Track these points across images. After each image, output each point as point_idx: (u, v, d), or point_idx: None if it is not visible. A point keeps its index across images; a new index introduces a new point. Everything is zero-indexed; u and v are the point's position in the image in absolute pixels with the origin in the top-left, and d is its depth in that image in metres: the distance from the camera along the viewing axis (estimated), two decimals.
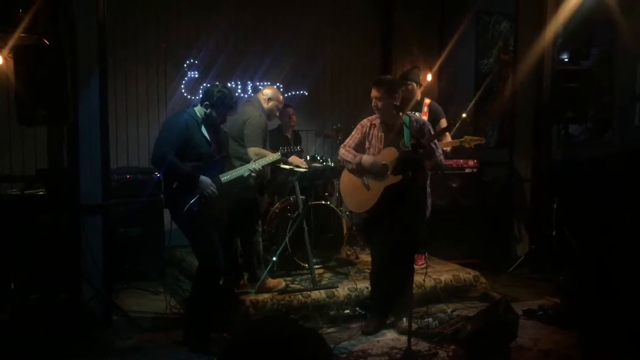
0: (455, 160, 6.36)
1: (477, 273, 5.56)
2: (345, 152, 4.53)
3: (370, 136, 4.47)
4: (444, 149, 5.39)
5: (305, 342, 1.88)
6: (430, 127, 4.48)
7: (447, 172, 6.36)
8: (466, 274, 5.53)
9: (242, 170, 4.43)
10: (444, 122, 5.68)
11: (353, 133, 4.57)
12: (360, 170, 4.43)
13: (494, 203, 6.55)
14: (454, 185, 6.37)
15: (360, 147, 4.50)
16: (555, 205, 6.17)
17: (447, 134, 5.59)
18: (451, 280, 5.41)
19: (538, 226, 6.42)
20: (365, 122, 4.54)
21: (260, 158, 4.63)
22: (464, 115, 5.18)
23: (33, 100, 4.23)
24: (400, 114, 4.34)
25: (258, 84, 6.92)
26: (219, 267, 4.29)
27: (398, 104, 4.34)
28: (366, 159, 4.38)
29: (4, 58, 5.06)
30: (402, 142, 4.27)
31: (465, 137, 5.49)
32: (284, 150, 4.80)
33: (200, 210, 4.13)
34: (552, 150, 6.55)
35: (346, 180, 4.61)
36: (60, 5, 4.49)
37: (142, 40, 6.53)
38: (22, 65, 4.25)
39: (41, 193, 5.11)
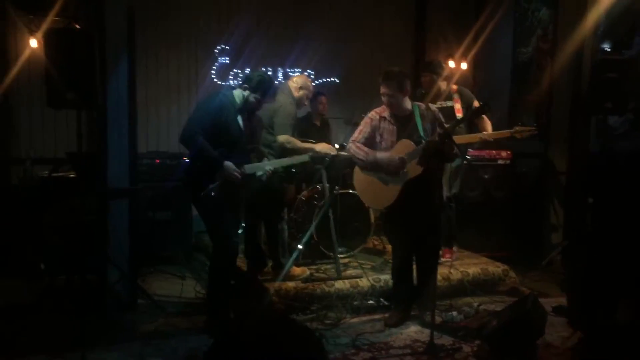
0: (487, 151, 6.23)
1: (506, 267, 5.43)
2: (357, 148, 4.32)
3: (381, 129, 4.29)
4: (488, 139, 5.21)
5: (298, 346, 1.83)
6: (440, 115, 4.33)
7: (479, 163, 6.24)
8: (495, 268, 5.41)
9: (268, 165, 4.38)
10: (477, 104, 5.51)
11: (361, 126, 4.37)
12: (374, 167, 4.26)
13: (527, 196, 6.39)
14: (486, 176, 6.24)
15: (370, 141, 4.32)
16: (590, 200, 5.97)
17: (488, 123, 5.42)
18: (479, 274, 5.29)
19: (572, 221, 6.23)
20: (374, 114, 4.34)
21: (290, 151, 4.60)
22: (477, 103, 4.99)
23: (62, 83, 4.26)
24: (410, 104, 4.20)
25: (289, 70, 6.88)
26: (231, 251, 4.25)
27: (408, 95, 4.20)
28: (381, 156, 4.21)
29: (38, 41, 5.14)
30: (417, 133, 4.14)
31: (516, 127, 5.19)
32: (314, 154, 4.73)
33: (217, 196, 4.10)
34: (590, 142, 6.33)
35: (360, 176, 4.42)
36: None
37: (173, 25, 6.55)
38: (52, 49, 4.29)
39: (71, 176, 5.21)
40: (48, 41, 4.37)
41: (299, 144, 4.91)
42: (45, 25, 4.76)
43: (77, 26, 4.56)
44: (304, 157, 4.62)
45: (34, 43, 5.53)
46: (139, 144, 6.26)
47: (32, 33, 5.41)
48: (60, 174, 5.38)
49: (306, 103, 5.19)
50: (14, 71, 5.56)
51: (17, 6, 5.18)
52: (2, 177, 5.83)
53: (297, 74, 6.36)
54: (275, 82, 6.62)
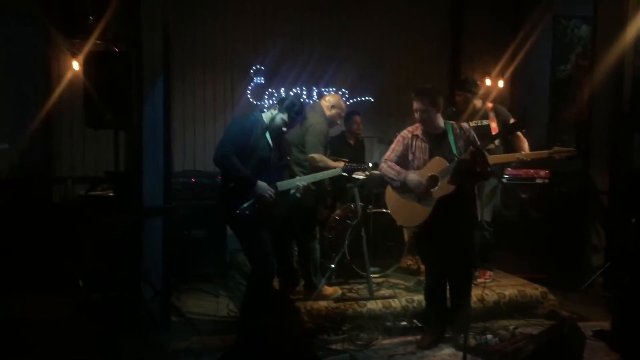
0: (525, 170, 6.11)
1: (544, 289, 5.28)
2: (388, 167, 4.30)
3: (414, 147, 4.27)
4: (527, 159, 5.09)
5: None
6: (474, 134, 4.27)
7: (516, 182, 6.13)
8: (533, 290, 5.27)
9: (301, 181, 4.40)
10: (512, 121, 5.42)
11: (393, 145, 4.36)
12: (404, 187, 4.23)
13: (566, 216, 6.22)
14: (524, 196, 6.12)
15: (402, 160, 4.30)
16: (634, 220, 5.78)
17: (525, 142, 5.32)
18: (516, 296, 5.16)
19: (615, 241, 6.04)
20: (406, 133, 4.33)
21: (321, 167, 4.62)
22: (511, 120, 4.89)
23: (100, 104, 4.38)
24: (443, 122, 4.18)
25: (323, 89, 6.92)
26: (270, 270, 4.28)
27: (440, 112, 4.18)
28: (411, 179, 4.17)
29: (79, 64, 5.30)
30: (449, 151, 4.09)
31: (555, 148, 5.06)
32: (347, 165, 4.75)
33: (252, 215, 4.14)
34: (633, 160, 6.15)
35: (392, 195, 4.40)
36: (128, 13, 4.64)
37: (209, 47, 6.69)
38: (91, 71, 4.44)
39: (110, 194, 5.33)
40: (87, 63, 4.52)
41: (330, 162, 4.92)
42: (86, 49, 4.90)
43: (116, 49, 4.68)
44: (337, 171, 4.62)
45: (75, 65, 5.71)
46: (176, 163, 6.46)
47: (74, 56, 5.59)
48: (99, 192, 5.51)
49: (339, 122, 5.19)
50: (57, 92, 5.75)
51: (60, 30, 5.36)
52: (45, 195, 6.00)
53: (331, 92, 6.39)
54: (310, 102, 6.70)
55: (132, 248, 4.64)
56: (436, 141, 4.19)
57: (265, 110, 4.38)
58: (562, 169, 6.35)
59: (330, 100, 5.05)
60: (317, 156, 4.80)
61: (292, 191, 4.35)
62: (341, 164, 4.83)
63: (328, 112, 4.99)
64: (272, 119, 4.28)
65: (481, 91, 5.72)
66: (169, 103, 4.71)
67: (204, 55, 6.68)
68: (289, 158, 4.49)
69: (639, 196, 5.91)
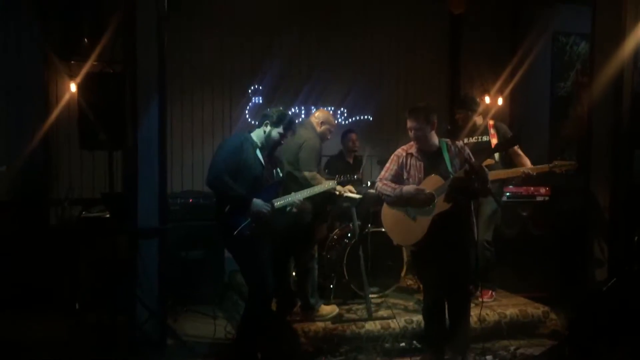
0: (525, 188, 6.06)
1: (546, 308, 5.21)
2: (383, 185, 4.27)
3: (408, 166, 4.23)
4: (531, 173, 5.11)
5: None
6: (468, 150, 4.24)
7: (517, 200, 6.08)
8: (534, 309, 5.20)
9: (296, 197, 4.39)
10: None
11: (388, 165, 4.33)
12: (402, 201, 4.19)
13: (568, 233, 6.14)
14: (524, 214, 6.07)
15: (397, 179, 4.26)
16: (636, 238, 5.70)
17: (526, 158, 5.31)
18: (517, 315, 5.10)
19: (617, 260, 5.95)
20: (400, 152, 4.31)
21: (315, 185, 4.60)
22: (510, 134, 4.86)
23: (95, 125, 4.38)
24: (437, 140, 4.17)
25: (322, 108, 6.88)
26: (268, 292, 4.25)
27: (435, 130, 4.16)
28: (408, 189, 4.13)
29: (76, 86, 5.32)
30: (444, 169, 4.06)
31: (555, 162, 5.12)
32: (340, 178, 4.73)
33: (250, 234, 4.11)
34: (634, 178, 6.08)
35: (388, 213, 4.35)
36: (123, 34, 4.65)
37: (208, 67, 6.69)
38: (85, 92, 4.44)
39: (106, 216, 5.32)
40: (82, 85, 4.52)
41: (323, 181, 4.88)
42: (84, 70, 4.91)
43: (111, 70, 4.68)
44: (332, 184, 4.60)
45: (73, 87, 5.73)
46: (174, 183, 6.44)
47: (71, 78, 5.61)
48: (96, 213, 5.49)
49: (329, 137, 5.19)
50: (54, 114, 5.76)
51: (57, 52, 5.38)
52: (42, 217, 5.98)
53: (331, 109, 6.40)
54: (300, 120, 6.70)
55: (127, 269, 4.60)
56: (431, 159, 4.16)
57: (254, 130, 4.39)
58: (563, 185, 6.30)
59: (319, 117, 5.06)
60: (312, 174, 4.77)
61: (288, 208, 4.33)
62: (339, 187, 4.82)
63: (318, 129, 5.00)
64: (268, 135, 4.29)
65: (480, 108, 5.71)
66: (165, 123, 4.69)
67: (202, 75, 6.68)
68: (281, 175, 4.47)
69: None
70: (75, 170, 6.15)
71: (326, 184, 4.61)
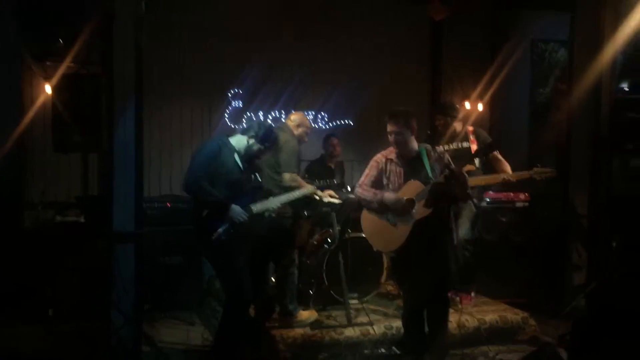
0: (505, 194, 6.08)
1: (526, 314, 5.22)
2: (363, 191, 4.22)
3: (388, 172, 4.20)
4: (511, 180, 5.17)
5: None
6: (448, 156, 4.23)
7: (497, 206, 6.09)
8: (514, 315, 5.20)
9: (275, 202, 4.36)
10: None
11: (367, 170, 4.29)
12: (382, 208, 4.15)
13: (547, 239, 6.17)
14: (504, 220, 6.09)
15: (377, 184, 4.22)
16: (614, 244, 5.73)
17: (506, 164, 5.33)
18: (497, 321, 5.10)
19: (596, 266, 5.98)
20: (380, 157, 4.28)
21: (295, 187, 4.57)
22: (488, 142, 4.87)
23: (69, 127, 4.29)
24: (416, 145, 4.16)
25: (298, 112, 6.85)
26: (245, 298, 4.21)
27: (415, 135, 4.13)
28: (388, 196, 4.09)
29: (51, 87, 5.21)
30: (424, 174, 4.03)
31: (534, 169, 5.17)
32: (320, 183, 4.71)
33: (228, 240, 4.06)
34: (613, 184, 6.13)
35: (368, 218, 4.31)
36: (100, 35, 4.57)
37: (186, 70, 6.61)
38: (60, 94, 4.36)
39: (82, 220, 5.21)
40: (57, 86, 4.43)
41: (303, 183, 4.85)
42: (59, 72, 4.80)
43: (86, 71, 4.59)
44: (310, 189, 4.59)
45: (48, 89, 5.61)
46: (152, 187, 6.35)
47: (46, 79, 5.49)
48: (72, 218, 5.38)
49: (306, 139, 5.16)
50: (29, 116, 5.63)
51: (32, 53, 5.27)
52: (15, 221, 5.84)
53: (310, 114, 6.37)
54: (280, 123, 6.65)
55: (103, 274, 4.51)
56: (411, 165, 4.13)
57: (232, 134, 4.36)
58: (542, 192, 6.32)
59: (295, 120, 5.06)
60: (291, 176, 4.74)
61: (266, 213, 4.30)
62: (319, 192, 4.79)
63: (295, 131, 4.99)
64: (250, 147, 4.29)
65: (460, 114, 5.72)
66: (141, 126, 4.61)
67: (181, 78, 6.60)
68: (260, 180, 4.42)
69: (619, 220, 5.89)
70: (50, 173, 6.03)
71: (305, 189, 4.60)
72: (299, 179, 4.77)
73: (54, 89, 4.48)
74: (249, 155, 4.31)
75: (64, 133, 4.35)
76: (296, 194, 4.50)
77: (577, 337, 4.09)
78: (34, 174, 6.04)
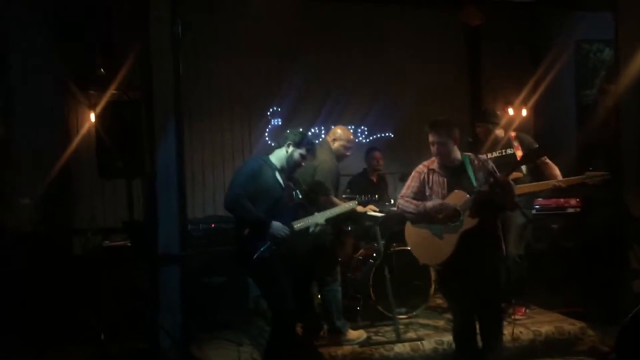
0: (555, 200, 5.91)
1: (583, 324, 5.02)
2: (405, 202, 4.12)
3: (431, 182, 4.09)
4: (562, 185, 5.01)
5: None
6: (491, 163, 4.11)
7: (547, 212, 5.92)
8: (570, 326, 5.02)
9: (316, 219, 4.32)
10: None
11: (409, 182, 4.19)
12: (426, 219, 4.04)
13: (602, 246, 5.93)
14: (555, 226, 5.91)
15: (419, 195, 4.11)
16: None
17: (556, 169, 5.17)
18: (553, 333, 4.93)
19: None
20: (422, 168, 4.17)
21: (335, 207, 4.51)
22: (535, 145, 4.73)
23: (112, 153, 4.37)
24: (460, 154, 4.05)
25: (338, 126, 6.82)
26: (291, 316, 4.17)
27: (457, 144, 4.04)
28: (431, 205, 3.98)
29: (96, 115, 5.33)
30: (468, 183, 3.92)
31: (587, 173, 5.00)
32: (361, 198, 4.64)
33: (271, 257, 4.03)
34: None
35: (412, 231, 4.21)
36: (138, 61, 4.66)
37: (226, 89, 6.70)
38: (103, 120, 4.44)
39: (128, 244, 5.29)
40: (100, 113, 4.53)
41: (338, 203, 4.74)
42: (104, 99, 4.92)
43: (127, 97, 4.69)
44: (352, 204, 4.53)
45: (93, 117, 5.75)
46: (196, 208, 6.41)
47: (90, 107, 5.63)
48: (119, 242, 5.47)
49: (348, 154, 5.04)
50: (74, 144, 5.79)
51: (76, 82, 5.43)
52: (65, 247, 5.98)
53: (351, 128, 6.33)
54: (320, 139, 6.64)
55: (150, 297, 4.55)
56: (454, 174, 4.03)
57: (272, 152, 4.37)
58: (594, 196, 6.11)
59: (333, 134, 4.98)
60: (324, 199, 4.67)
61: (311, 228, 4.27)
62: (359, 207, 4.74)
63: (332, 146, 4.91)
64: (290, 156, 4.28)
65: (503, 121, 5.59)
66: (182, 149, 4.67)
67: (221, 98, 6.69)
68: (300, 197, 4.39)
69: None
70: (97, 199, 6.16)
71: (346, 205, 4.54)
72: (334, 199, 4.69)
73: (97, 116, 4.57)
74: (291, 165, 4.30)
75: (107, 159, 4.44)
76: (337, 210, 4.45)
77: (623, 342, 3.91)
78: (81, 200, 6.19)
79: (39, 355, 4.91)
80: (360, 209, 4.75)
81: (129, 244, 5.30)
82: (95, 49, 4.85)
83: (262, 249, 4.03)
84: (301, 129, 4.47)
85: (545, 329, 4.93)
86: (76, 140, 5.83)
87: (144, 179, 4.76)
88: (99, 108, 4.64)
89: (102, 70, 4.63)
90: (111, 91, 4.97)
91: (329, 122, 6.89)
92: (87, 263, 5.56)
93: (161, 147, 4.54)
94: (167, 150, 4.56)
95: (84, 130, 5.89)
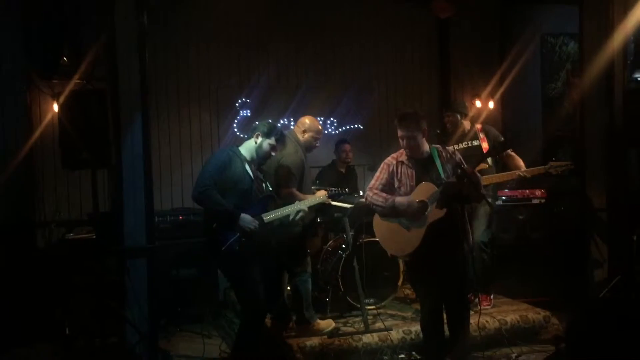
0: (520, 191, 5.98)
1: (547, 313, 5.10)
2: (374, 195, 4.11)
3: (400, 174, 4.10)
4: (526, 175, 5.04)
5: None
6: (459, 155, 4.14)
7: (513, 203, 5.99)
8: (535, 314, 5.09)
9: (287, 211, 4.31)
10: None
11: (378, 173, 4.19)
12: (393, 213, 4.04)
13: (566, 236, 6.06)
14: (521, 217, 6.00)
15: (388, 188, 4.12)
16: (635, 237, 5.61)
17: (520, 160, 5.23)
18: (518, 321, 4.99)
19: (617, 261, 5.85)
20: (390, 160, 4.17)
21: (297, 200, 4.49)
22: (501, 139, 4.82)
23: (77, 144, 4.28)
24: (428, 146, 4.06)
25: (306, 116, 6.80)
26: (261, 308, 4.15)
27: (426, 137, 4.05)
28: (400, 201, 3.99)
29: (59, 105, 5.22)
30: (436, 175, 3.95)
31: (551, 163, 5.05)
32: (332, 191, 4.63)
33: (240, 249, 4.01)
34: (630, 177, 6.00)
35: (380, 223, 4.21)
36: (103, 50, 4.57)
37: (194, 81, 6.61)
38: (66, 111, 4.34)
39: (93, 237, 5.20)
40: (64, 103, 4.43)
41: (301, 197, 4.70)
42: (65, 89, 4.80)
43: (92, 87, 4.59)
44: (322, 198, 4.52)
45: (56, 107, 5.63)
46: (164, 200, 6.34)
47: (54, 97, 5.51)
48: (84, 235, 5.38)
49: (317, 145, 4.94)
50: (37, 134, 5.66)
51: (39, 72, 5.29)
52: (28, 240, 5.85)
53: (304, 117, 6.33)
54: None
55: (116, 291, 4.49)
56: (422, 166, 4.05)
57: (241, 143, 4.33)
58: (559, 188, 6.22)
59: (302, 125, 4.85)
60: (285, 191, 4.59)
61: (291, 217, 4.27)
62: (322, 193, 4.70)
63: (301, 137, 4.82)
64: (259, 146, 4.24)
65: (471, 113, 5.64)
66: (149, 140, 4.59)
67: (189, 90, 6.60)
68: (271, 189, 4.37)
69: (638, 213, 5.77)
70: (61, 191, 6.04)
71: (316, 198, 4.52)
72: (296, 193, 4.63)
73: (61, 106, 4.47)
74: (261, 156, 4.26)
75: (72, 150, 4.34)
76: (306, 203, 4.43)
77: (573, 333, 3.99)
78: (45, 193, 6.05)
79: (5, 351, 4.80)
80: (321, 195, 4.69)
81: (94, 237, 5.21)
82: (59, 37, 4.73)
83: (230, 241, 4.01)
84: (270, 120, 4.43)
85: (511, 317, 4.99)
86: (39, 130, 5.70)
87: (110, 170, 4.67)
88: (62, 97, 4.52)
89: (65, 59, 4.51)
90: (75, 81, 4.86)
91: (298, 114, 6.80)
92: (51, 257, 5.46)
93: (127, 138, 4.46)
94: (133, 141, 4.48)
95: (47, 120, 5.76)
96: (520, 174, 5.05)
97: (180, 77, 6.55)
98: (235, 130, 6.75)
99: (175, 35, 6.43)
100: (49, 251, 5.59)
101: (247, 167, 4.20)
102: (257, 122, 4.39)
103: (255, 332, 4.20)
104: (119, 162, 4.47)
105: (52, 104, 5.70)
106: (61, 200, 6.03)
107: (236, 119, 6.77)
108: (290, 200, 4.50)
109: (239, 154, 4.22)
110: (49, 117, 5.75)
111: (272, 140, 4.24)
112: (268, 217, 4.21)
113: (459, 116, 5.39)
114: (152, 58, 4.70)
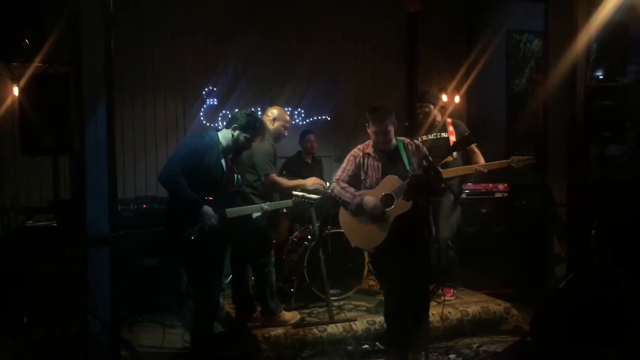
0: (484, 185, 6.08)
1: (508, 304, 5.21)
2: (341, 189, 4.13)
3: (366, 166, 4.13)
4: (483, 170, 5.14)
5: None
6: (424, 148, 4.18)
7: (476, 197, 6.08)
8: (496, 306, 5.20)
9: (252, 209, 4.26)
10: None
11: (344, 165, 4.21)
12: (358, 210, 4.06)
13: (528, 229, 6.18)
14: (484, 210, 6.09)
15: (354, 179, 4.15)
16: (593, 231, 5.75)
17: (480, 156, 5.31)
18: (479, 313, 5.08)
19: (576, 254, 5.99)
20: (357, 151, 4.20)
21: (278, 190, 4.48)
22: (466, 134, 4.88)
23: (37, 129, 4.16)
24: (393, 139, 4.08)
25: (275, 106, 6.77)
26: (212, 301, 4.14)
27: (395, 129, 4.08)
28: (367, 201, 4.01)
29: (19, 89, 5.06)
30: (402, 168, 3.98)
31: (512, 157, 5.14)
32: (297, 199, 4.61)
33: (199, 240, 3.94)
34: (590, 172, 6.14)
35: (346, 216, 4.21)
36: (67, 33, 4.44)
37: (159, 69, 6.50)
38: (27, 95, 4.21)
39: (54, 224, 5.06)
40: (24, 87, 4.28)
41: (286, 183, 4.77)
42: (28, 72, 4.65)
43: (54, 71, 4.45)
44: (287, 202, 4.50)
45: (16, 91, 5.46)
46: (127, 189, 6.24)
47: (14, 80, 5.34)
48: (44, 222, 5.24)
49: (285, 134, 4.99)
50: None
51: None
52: None
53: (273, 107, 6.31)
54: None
55: (77, 280, 4.39)
56: (389, 158, 4.08)
57: (219, 128, 4.24)
58: (521, 182, 6.33)
59: (271, 114, 4.91)
60: (272, 179, 4.64)
61: (254, 215, 4.21)
62: (299, 182, 4.72)
63: (271, 126, 4.85)
64: (235, 139, 4.13)
65: (439, 105, 5.70)
66: (113, 127, 4.49)
67: (154, 77, 6.49)
68: (240, 184, 4.31)
69: (597, 208, 5.91)
70: (21, 177, 5.88)
71: (281, 203, 4.52)
72: (280, 180, 4.66)
73: (21, 90, 4.32)
74: (236, 149, 4.16)
75: (32, 136, 4.19)
76: (273, 205, 4.39)
77: (537, 326, 4.09)
78: (3, 179, 5.89)
79: None
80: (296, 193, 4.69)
81: (55, 224, 5.08)
82: (20, 18, 4.56)
83: (190, 230, 3.93)
84: (250, 112, 4.30)
85: (472, 309, 5.08)
86: None
87: (72, 156, 4.56)
88: (23, 81, 4.37)
89: (27, 41, 4.36)
90: (37, 64, 4.71)
91: (265, 103, 6.78)
92: (8, 244, 5.31)
93: (91, 124, 4.35)
94: (97, 128, 4.38)
95: (7, 104, 5.59)
96: (477, 168, 5.15)
97: (146, 65, 6.44)
98: (202, 118, 6.68)
99: (141, 23, 6.31)
100: (7, 239, 5.43)
101: (221, 157, 4.11)
102: (237, 112, 4.30)
103: (206, 321, 4.16)
104: (82, 148, 4.36)
105: (11, 88, 5.53)
106: (20, 187, 5.88)
107: (203, 107, 6.69)
108: (275, 188, 4.49)
109: (218, 143, 4.09)
110: (8, 101, 5.58)
111: (248, 134, 4.13)
112: (232, 213, 4.12)
113: (431, 106, 5.44)
114: (117, 45, 4.58)
